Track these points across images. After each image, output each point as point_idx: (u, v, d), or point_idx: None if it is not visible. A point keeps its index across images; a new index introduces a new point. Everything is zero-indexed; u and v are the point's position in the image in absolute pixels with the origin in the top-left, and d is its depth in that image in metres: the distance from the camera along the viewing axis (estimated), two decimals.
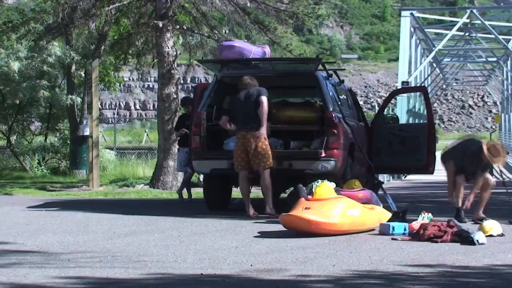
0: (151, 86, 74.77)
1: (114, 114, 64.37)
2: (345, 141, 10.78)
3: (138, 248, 7.26)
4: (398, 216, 9.19)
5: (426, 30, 36.83)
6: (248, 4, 17.47)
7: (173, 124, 15.66)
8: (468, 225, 8.89)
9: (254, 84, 10.41)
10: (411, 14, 33.13)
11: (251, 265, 6.20)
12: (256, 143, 10.17)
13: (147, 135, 43.64)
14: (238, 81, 10.53)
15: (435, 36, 43.28)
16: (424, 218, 8.73)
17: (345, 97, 12.30)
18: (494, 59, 45.62)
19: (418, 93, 28.80)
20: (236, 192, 13.26)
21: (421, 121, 29.59)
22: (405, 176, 25.09)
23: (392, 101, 26.32)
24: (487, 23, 35.41)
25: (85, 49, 19.89)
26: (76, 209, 11.45)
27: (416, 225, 8.55)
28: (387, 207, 10.52)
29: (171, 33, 16.32)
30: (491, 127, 75.92)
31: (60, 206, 12.27)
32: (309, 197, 8.86)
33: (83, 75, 20.62)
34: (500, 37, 35.94)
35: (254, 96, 10.27)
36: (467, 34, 39.89)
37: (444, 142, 12.20)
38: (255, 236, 8.15)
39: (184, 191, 13.66)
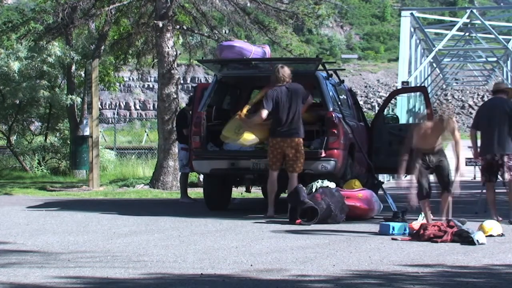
0: (151, 86, 74.76)
1: (114, 114, 64.28)
2: (345, 141, 10.79)
3: (138, 248, 7.26)
4: (398, 216, 9.20)
5: (426, 30, 36.84)
6: (248, 4, 17.46)
7: (173, 124, 15.64)
8: (468, 225, 8.90)
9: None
10: (411, 14, 33.14)
11: (251, 265, 6.20)
12: None
13: (147, 135, 43.60)
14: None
15: (435, 36, 43.33)
16: (424, 218, 8.73)
17: (345, 97, 12.31)
18: (494, 59, 45.63)
19: (418, 93, 28.81)
20: (236, 192, 13.28)
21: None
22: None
23: (392, 101, 26.33)
24: (487, 23, 35.43)
25: (85, 49, 19.88)
26: (76, 209, 11.46)
27: (416, 225, 8.56)
28: (387, 207, 10.54)
29: (171, 33, 16.32)
30: None
31: (60, 206, 12.28)
32: None
33: (83, 75, 20.61)
34: (500, 37, 35.96)
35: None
36: (467, 34, 39.92)
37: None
38: (255, 236, 8.15)
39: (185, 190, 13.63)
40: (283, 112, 10.17)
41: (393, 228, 8.32)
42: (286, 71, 10.32)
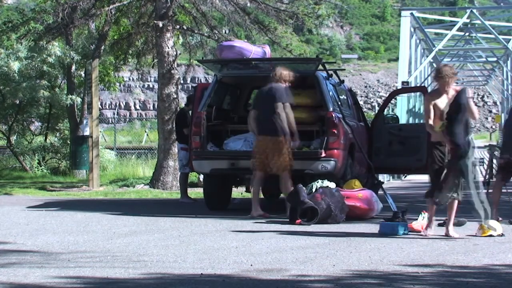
0: (151, 86, 74.80)
1: (114, 114, 64.40)
2: (345, 141, 10.79)
3: (138, 248, 7.26)
4: (398, 216, 9.20)
5: (426, 30, 36.86)
6: (248, 4, 17.46)
7: (173, 124, 15.64)
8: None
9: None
10: (411, 14, 33.17)
11: (251, 265, 6.20)
12: None
13: (147, 135, 43.61)
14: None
15: (435, 36, 43.36)
16: (424, 218, 8.73)
17: (345, 97, 12.31)
18: (494, 59, 45.66)
19: (418, 93, 28.82)
20: (236, 192, 13.28)
21: (421, 121, 29.61)
22: (405, 176, 25.10)
23: (392, 101, 26.35)
24: (487, 23, 35.46)
25: (85, 49, 19.88)
26: (76, 209, 11.46)
27: (416, 225, 8.56)
28: (387, 207, 10.54)
29: (171, 33, 16.32)
30: (491, 127, 75.96)
31: (60, 206, 12.28)
32: None
33: (83, 75, 20.61)
34: (500, 37, 35.99)
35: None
36: (467, 34, 39.97)
37: None
38: (255, 236, 8.15)
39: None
40: (262, 111, 10.18)
41: (393, 228, 8.32)
42: (281, 73, 10.26)
